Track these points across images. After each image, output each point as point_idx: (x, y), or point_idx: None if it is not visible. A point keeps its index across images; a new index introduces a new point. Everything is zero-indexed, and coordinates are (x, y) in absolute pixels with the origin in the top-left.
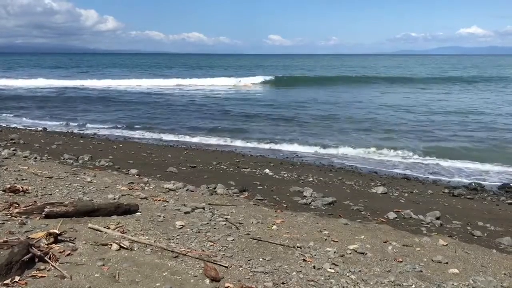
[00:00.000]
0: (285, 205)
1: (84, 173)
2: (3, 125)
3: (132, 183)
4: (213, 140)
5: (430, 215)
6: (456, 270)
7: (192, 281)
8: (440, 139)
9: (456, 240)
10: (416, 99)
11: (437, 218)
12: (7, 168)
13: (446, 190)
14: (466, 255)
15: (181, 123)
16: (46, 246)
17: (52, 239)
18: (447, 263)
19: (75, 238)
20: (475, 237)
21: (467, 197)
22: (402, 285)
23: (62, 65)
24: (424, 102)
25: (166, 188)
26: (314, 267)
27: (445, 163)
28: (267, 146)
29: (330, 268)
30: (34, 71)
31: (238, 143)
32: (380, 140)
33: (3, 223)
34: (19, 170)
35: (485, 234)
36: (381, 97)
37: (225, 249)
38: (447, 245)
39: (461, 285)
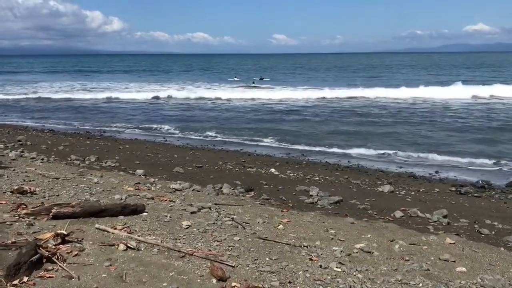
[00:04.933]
0: (291, 205)
1: (91, 174)
2: None
3: (138, 183)
4: None
5: (437, 214)
6: (463, 269)
7: (198, 280)
8: None
9: (464, 239)
10: None
11: (444, 217)
12: (14, 170)
13: (453, 188)
14: (473, 253)
15: None
16: (53, 246)
17: (59, 240)
18: (454, 261)
19: (82, 239)
20: (483, 235)
21: (474, 195)
22: (409, 283)
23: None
24: None
25: (172, 188)
26: (320, 266)
27: None
28: None
29: (337, 267)
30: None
31: None
32: None
33: (11, 224)
34: (26, 172)
35: (493, 232)
36: None
37: (231, 248)
38: (454, 243)
39: (468, 283)
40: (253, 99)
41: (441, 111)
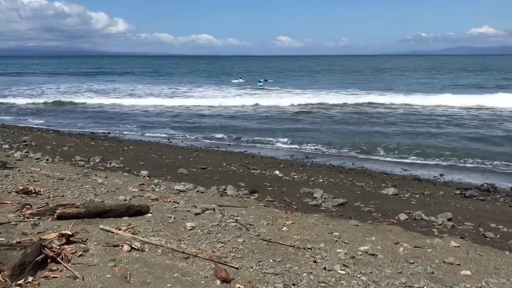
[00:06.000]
0: (295, 207)
1: (96, 175)
2: None
3: (143, 184)
4: None
5: (441, 217)
6: (468, 272)
7: (202, 282)
8: None
9: (468, 242)
10: None
11: (449, 220)
12: (19, 170)
13: (458, 191)
14: (478, 256)
15: None
16: (58, 247)
17: (64, 240)
18: (459, 264)
19: (86, 239)
20: (488, 238)
21: (479, 198)
22: (414, 286)
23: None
24: None
25: (176, 190)
26: (324, 268)
27: None
28: None
29: (341, 270)
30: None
31: None
32: None
33: (16, 224)
34: (31, 172)
35: (498, 236)
36: None
37: (235, 250)
38: (459, 246)
39: (473, 287)
40: (257, 104)
41: (445, 118)
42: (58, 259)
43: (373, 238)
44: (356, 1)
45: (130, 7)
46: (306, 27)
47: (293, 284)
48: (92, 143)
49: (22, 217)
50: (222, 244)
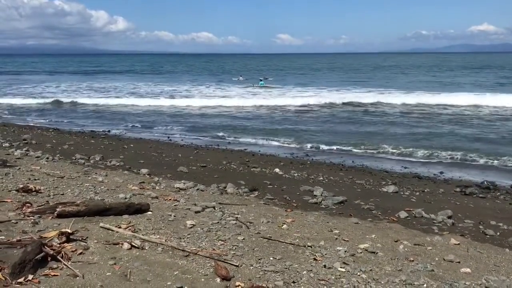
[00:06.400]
0: (295, 204)
1: (96, 173)
2: None
3: (143, 182)
4: None
5: (441, 214)
6: (468, 270)
7: (203, 280)
8: None
9: (468, 239)
10: None
11: (449, 217)
12: (19, 168)
13: (458, 189)
14: (478, 254)
15: None
16: (58, 245)
17: (64, 238)
18: (459, 262)
19: (87, 237)
20: (488, 236)
21: (479, 196)
22: (414, 284)
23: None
24: None
25: (176, 188)
26: (324, 266)
27: None
28: None
29: (341, 267)
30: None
31: None
32: None
33: (16, 223)
34: (31, 170)
35: (498, 233)
36: None
37: (235, 248)
38: (459, 244)
39: (473, 284)
40: (257, 102)
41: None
42: (58, 257)
43: (373, 235)
44: None
45: (130, 5)
46: (306, 25)
47: (293, 282)
48: (92, 141)
49: (22, 216)
50: (222, 242)
